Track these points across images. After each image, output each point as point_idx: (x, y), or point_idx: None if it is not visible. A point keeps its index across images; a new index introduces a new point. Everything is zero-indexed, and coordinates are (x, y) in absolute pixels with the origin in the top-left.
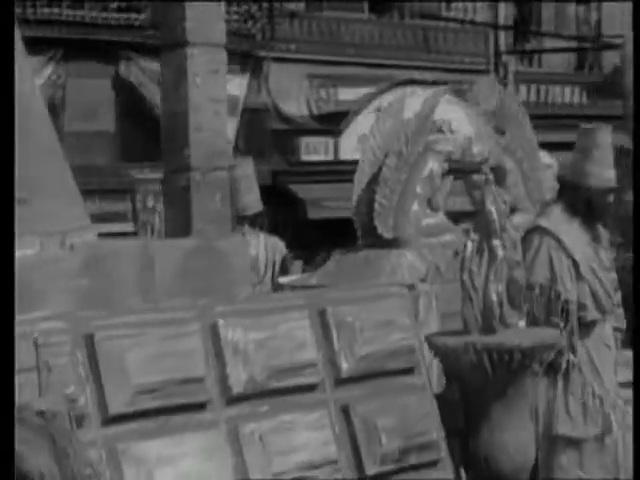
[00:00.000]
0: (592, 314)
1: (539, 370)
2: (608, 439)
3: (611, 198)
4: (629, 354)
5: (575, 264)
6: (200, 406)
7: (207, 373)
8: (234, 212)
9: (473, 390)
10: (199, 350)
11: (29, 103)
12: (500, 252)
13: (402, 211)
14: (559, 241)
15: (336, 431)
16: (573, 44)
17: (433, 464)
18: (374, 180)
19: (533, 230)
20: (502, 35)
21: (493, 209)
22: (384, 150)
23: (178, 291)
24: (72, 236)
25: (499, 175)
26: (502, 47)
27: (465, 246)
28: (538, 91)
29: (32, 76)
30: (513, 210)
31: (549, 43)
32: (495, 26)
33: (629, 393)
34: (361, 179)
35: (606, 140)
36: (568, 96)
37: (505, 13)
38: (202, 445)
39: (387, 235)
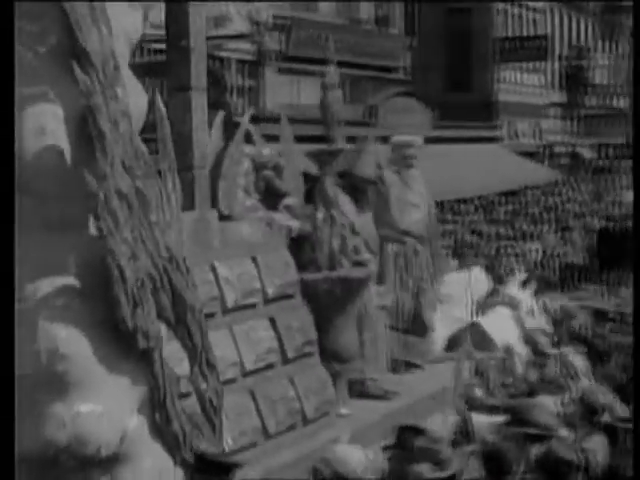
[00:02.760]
0: (366, 256)
1: (364, 292)
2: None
3: (369, 187)
4: (379, 288)
5: (352, 225)
6: (213, 315)
7: (216, 295)
8: None
9: (325, 307)
10: (212, 281)
11: None
12: (338, 218)
13: (233, 196)
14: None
15: (271, 332)
16: None
17: (313, 354)
18: (213, 174)
19: None
20: None
21: (331, 191)
22: (213, 153)
23: (193, 242)
24: None
25: (279, 171)
26: None
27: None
28: None
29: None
30: (285, 195)
31: None
32: None
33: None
34: None
35: (372, 147)
36: None
37: None
38: (219, 339)
39: (226, 213)
